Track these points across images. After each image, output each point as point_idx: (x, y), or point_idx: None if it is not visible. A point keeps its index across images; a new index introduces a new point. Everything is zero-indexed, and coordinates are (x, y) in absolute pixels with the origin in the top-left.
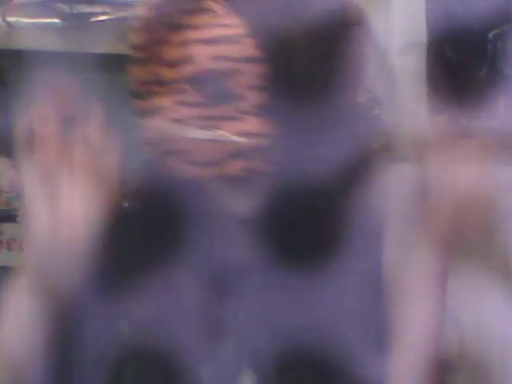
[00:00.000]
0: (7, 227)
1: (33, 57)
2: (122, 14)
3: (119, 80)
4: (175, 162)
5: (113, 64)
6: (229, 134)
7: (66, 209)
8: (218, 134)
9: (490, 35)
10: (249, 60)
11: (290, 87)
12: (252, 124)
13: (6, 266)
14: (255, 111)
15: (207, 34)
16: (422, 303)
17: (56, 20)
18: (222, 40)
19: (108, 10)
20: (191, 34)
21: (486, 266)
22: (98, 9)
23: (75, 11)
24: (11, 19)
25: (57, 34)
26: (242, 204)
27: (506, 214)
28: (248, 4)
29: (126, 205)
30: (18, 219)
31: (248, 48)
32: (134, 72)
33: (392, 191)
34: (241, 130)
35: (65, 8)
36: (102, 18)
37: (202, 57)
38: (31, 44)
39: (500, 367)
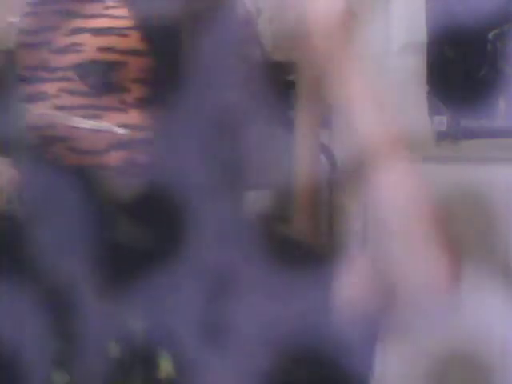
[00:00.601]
0: None
1: None
2: None
3: None
4: (57, 149)
5: None
6: (111, 124)
7: None
8: (100, 124)
9: (490, 35)
10: (134, 52)
11: (173, 82)
12: (134, 116)
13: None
14: (138, 104)
15: (95, 23)
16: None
17: None
18: (109, 31)
19: None
20: (79, 23)
21: (486, 266)
22: None
23: None
24: (11, 19)
25: None
26: (122, 193)
27: (506, 214)
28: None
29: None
30: None
31: (134, 40)
32: (19, 56)
33: None
34: (123, 121)
35: None
36: None
37: (89, 46)
38: None
39: (500, 367)
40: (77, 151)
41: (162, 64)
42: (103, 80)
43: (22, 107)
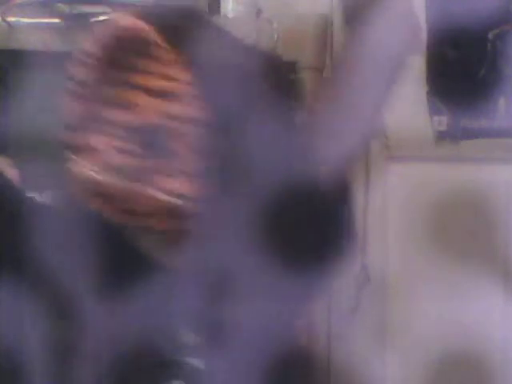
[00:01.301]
0: None
1: (33, 57)
2: None
3: None
4: (98, 204)
5: None
6: (158, 190)
7: None
8: (147, 188)
9: (490, 35)
10: (193, 121)
11: (226, 154)
12: (182, 184)
13: None
14: (189, 172)
15: (154, 83)
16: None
17: (56, 20)
18: (169, 95)
19: (108, 10)
20: (137, 80)
21: (486, 266)
22: (98, 9)
23: (75, 11)
24: (11, 19)
25: (57, 34)
26: (165, 255)
27: (506, 214)
28: (201, 60)
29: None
30: None
31: (194, 109)
32: (71, 105)
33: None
34: (172, 188)
35: (65, 8)
36: (101, 17)
37: (147, 108)
38: (31, 44)
39: (500, 367)
40: (118, 210)
41: (219, 136)
42: (157, 143)
43: (68, 156)
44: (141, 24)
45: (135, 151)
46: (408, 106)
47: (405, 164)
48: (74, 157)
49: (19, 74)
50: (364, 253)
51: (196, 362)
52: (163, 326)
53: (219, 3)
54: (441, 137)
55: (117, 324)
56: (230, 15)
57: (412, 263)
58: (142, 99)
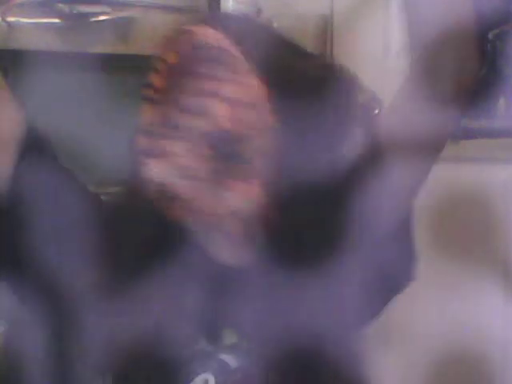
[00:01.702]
0: None
1: (33, 57)
2: (121, 14)
3: (119, 80)
4: (171, 205)
5: (113, 64)
6: (229, 193)
7: None
8: (218, 191)
9: (490, 35)
10: (264, 128)
11: (296, 156)
12: (254, 188)
13: None
14: (260, 177)
15: (227, 91)
16: None
17: (56, 20)
18: (242, 102)
19: (108, 9)
20: (210, 86)
21: (486, 266)
22: (97, 9)
23: (75, 11)
24: (11, 19)
25: (57, 34)
26: (233, 255)
27: (505, 214)
28: (270, 65)
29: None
30: None
31: (265, 115)
32: (146, 110)
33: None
34: (242, 191)
35: (65, 8)
36: (101, 17)
37: (220, 115)
38: (31, 44)
39: (500, 368)
40: (191, 211)
41: (288, 137)
42: (229, 149)
43: (140, 160)
44: (217, 34)
45: (208, 156)
46: None
47: None
48: (147, 161)
49: (19, 74)
50: None
51: (227, 357)
52: (204, 321)
53: (219, 3)
54: None
55: (153, 317)
56: None
57: None
58: (216, 106)
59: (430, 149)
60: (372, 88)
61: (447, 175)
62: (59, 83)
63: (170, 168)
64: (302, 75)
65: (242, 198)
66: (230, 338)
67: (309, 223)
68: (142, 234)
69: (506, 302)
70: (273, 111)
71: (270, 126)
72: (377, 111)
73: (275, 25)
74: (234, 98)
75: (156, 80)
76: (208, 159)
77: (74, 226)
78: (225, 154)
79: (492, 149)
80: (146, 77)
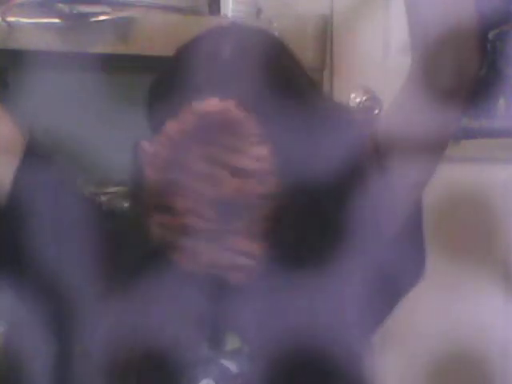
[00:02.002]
0: None
1: (33, 57)
2: (121, 14)
3: (119, 80)
4: (173, 254)
5: (113, 64)
6: (232, 248)
7: None
8: (221, 246)
9: (490, 35)
10: (268, 196)
11: (301, 222)
12: (256, 246)
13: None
14: (261, 236)
15: (236, 161)
16: None
17: (56, 20)
18: (248, 173)
19: (108, 9)
20: (220, 153)
21: (486, 266)
22: (97, 9)
23: (75, 11)
24: (11, 19)
25: (57, 34)
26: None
27: (505, 214)
28: (280, 135)
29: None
30: None
31: (270, 186)
32: (156, 170)
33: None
34: (244, 248)
35: (65, 8)
36: (101, 17)
37: (226, 184)
38: (31, 44)
39: (500, 368)
40: (193, 262)
41: (291, 205)
42: (233, 212)
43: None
44: (228, 106)
45: (214, 217)
46: None
47: None
48: (155, 216)
49: (19, 74)
50: None
51: (228, 363)
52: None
53: (219, 3)
54: None
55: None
56: (230, 15)
57: None
58: (222, 174)
59: (433, 148)
60: (372, 88)
61: (447, 175)
62: (59, 83)
63: (174, 224)
64: (311, 134)
65: (243, 253)
66: (232, 343)
67: (313, 225)
68: (142, 245)
69: (506, 302)
70: (275, 180)
71: (272, 194)
72: (377, 111)
73: (275, 25)
74: (239, 169)
75: (167, 146)
76: (212, 220)
77: (71, 229)
78: (227, 216)
79: (492, 149)
80: (145, 77)
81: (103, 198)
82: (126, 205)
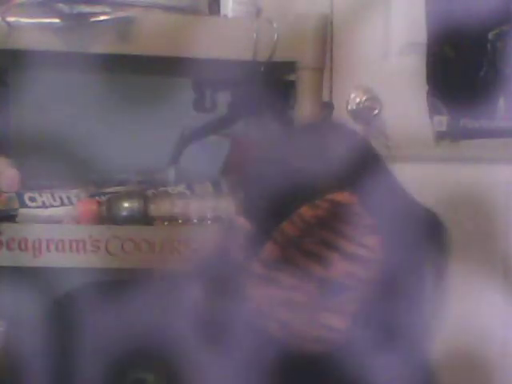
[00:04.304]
0: (7, 227)
1: (33, 57)
2: (121, 13)
3: (119, 80)
4: (274, 328)
5: (113, 64)
6: (321, 324)
7: None
8: (312, 319)
9: (490, 35)
10: (368, 282)
11: (389, 299)
12: (341, 322)
13: (5, 266)
14: (349, 314)
15: (348, 247)
16: None
17: (56, 20)
18: (358, 258)
19: (108, 9)
20: (335, 241)
21: (486, 266)
22: (97, 9)
23: (75, 11)
24: (11, 19)
25: (57, 34)
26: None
27: (506, 214)
28: (386, 230)
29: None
30: (17, 219)
31: (373, 272)
32: (271, 247)
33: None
34: (331, 323)
35: (65, 8)
36: (101, 17)
37: (335, 265)
38: (31, 44)
39: (500, 368)
40: (287, 332)
41: (386, 290)
42: (337, 294)
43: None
44: (351, 198)
45: (312, 292)
46: (408, 106)
47: (405, 164)
48: (256, 285)
49: (19, 74)
50: None
51: (172, 359)
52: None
53: (219, 3)
54: (441, 137)
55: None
56: (230, 15)
57: None
58: (335, 258)
59: None
60: (372, 88)
61: (447, 175)
62: (59, 83)
63: (275, 295)
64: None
65: (330, 328)
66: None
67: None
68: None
69: (506, 302)
70: (380, 268)
71: (374, 280)
72: (377, 111)
73: (275, 25)
74: (350, 254)
75: (289, 228)
76: (312, 296)
77: None
78: (327, 294)
79: (492, 149)
80: (145, 77)
81: (103, 198)
82: (126, 205)
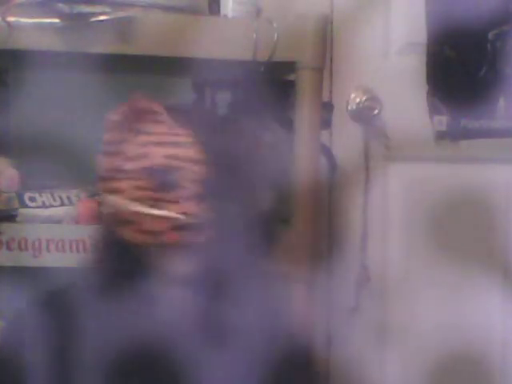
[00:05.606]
0: (7, 227)
1: (33, 57)
2: (121, 13)
3: (119, 80)
4: (127, 230)
5: (113, 64)
6: (171, 212)
7: None
8: (161, 212)
9: (490, 35)
10: (192, 160)
11: (220, 182)
12: (189, 207)
13: (5, 266)
14: (194, 197)
15: (161, 138)
16: None
17: (56, 20)
18: (173, 144)
19: (108, 9)
20: (148, 138)
21: (486, 266)
22: (98, 9)
23: (75, 11)
24: (11, 19)
25: (57, 34)
26: (179, 267)
27: (506, 214)
28: (194, 122)
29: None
30: (17, 219)
31: (193, 152)
32: (100, 160)
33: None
34: (181, 210)
35: (65, 8)
36: (101, 17)
37: (156, 155)
38: (31, 44)
39: (500, 368)
40: (142, 232)
41: (213, 170)
42: (166, 180)
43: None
44: (150, 101)
45: (151, 187)
46: (408, 105)
47: (405, 164)
48: (106, 195)
49: (19, 74)
50: (364, 253)
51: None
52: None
53: (219, 3)
54: (441, 137)
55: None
56: (230, 15)
57: (412, 263)
58: (152, 149)
59: None
60: (372, 88)
61: (447, 175)
62: (59, 83)
63: (121, 201)
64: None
65: (179, 213)
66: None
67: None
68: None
69: (506, 302)
70: (197, 148)
71: (196, 158)
72: (377, 111)
73: (275, 25)
74: (165, 142)
75: (105, 136)
76: (150, 190)
77: None
78: (163, 184)
79: (492, 149)
80: (145, 77)
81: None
82: None
